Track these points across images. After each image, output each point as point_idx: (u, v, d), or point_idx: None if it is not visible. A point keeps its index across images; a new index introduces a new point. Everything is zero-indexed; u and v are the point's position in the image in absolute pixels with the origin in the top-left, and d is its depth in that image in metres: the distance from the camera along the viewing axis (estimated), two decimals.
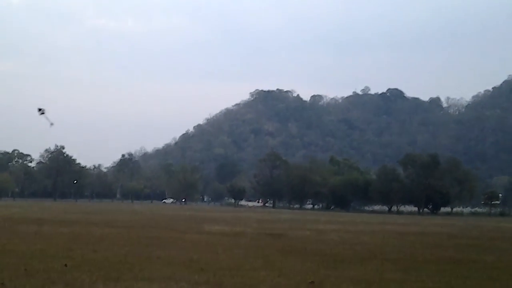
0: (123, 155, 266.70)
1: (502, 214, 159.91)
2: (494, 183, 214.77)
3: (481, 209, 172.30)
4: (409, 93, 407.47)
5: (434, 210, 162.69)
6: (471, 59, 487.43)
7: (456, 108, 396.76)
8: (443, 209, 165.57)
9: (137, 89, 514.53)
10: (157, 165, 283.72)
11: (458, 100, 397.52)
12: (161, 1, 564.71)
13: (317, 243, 32.77)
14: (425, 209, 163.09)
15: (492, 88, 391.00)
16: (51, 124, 20.92)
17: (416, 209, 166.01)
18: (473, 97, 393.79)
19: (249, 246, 28.75)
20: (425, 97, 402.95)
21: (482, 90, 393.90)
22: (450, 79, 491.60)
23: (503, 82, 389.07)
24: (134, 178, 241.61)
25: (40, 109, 25.35)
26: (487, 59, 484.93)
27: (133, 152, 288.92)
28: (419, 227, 63.09)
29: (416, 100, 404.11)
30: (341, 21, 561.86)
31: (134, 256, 21.50)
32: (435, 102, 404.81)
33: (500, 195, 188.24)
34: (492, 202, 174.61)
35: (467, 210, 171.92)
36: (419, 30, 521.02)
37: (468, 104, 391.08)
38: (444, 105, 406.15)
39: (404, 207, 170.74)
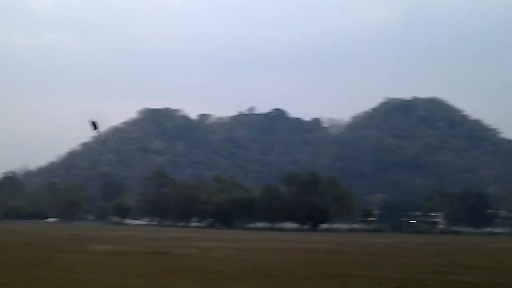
0: (4, 174, 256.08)
1: (377, 230, 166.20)
2: (370, 200, 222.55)
3: (358, 225, 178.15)
4: (293, 113, 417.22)
5: (314, 227, 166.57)
6: (351, 81, 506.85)
7: (336, 128, 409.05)
8: (322, 226, 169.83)
9: (20, 105, 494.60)
10: (41, 183, 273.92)
11: (338, 120, 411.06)
12: (49, 17, 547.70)
13: (202, 261, 32.93)
14: (306, 226, 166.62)
15: (370, 109, 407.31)
16: (103, 141, 19.96)
17: (297, 225, 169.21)
18: (352, 117, 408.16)
19: (132, 265, 28.49)
20: (307, 117, 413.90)
21: (360, 111, 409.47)
22: (331, 100, 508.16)
23: (380, 103, 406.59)
24: (16, 197, 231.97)
25: (93, 123, 23.53)
26: (366, 82, 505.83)
27: (15, 171, 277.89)
28: (300, 244, 64.58)
29: (298, 120, 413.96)
30: (228, 41, 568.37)
31: (15, 277, 20.83)
32: (316, 122, 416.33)
33: (376, 212, 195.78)
34: (368, 219, 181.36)
35: (345, 226, 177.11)
36: (303, 52, 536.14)
37: (348, 124, 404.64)
38: (325, 125, 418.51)
39: (286, 224, 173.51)
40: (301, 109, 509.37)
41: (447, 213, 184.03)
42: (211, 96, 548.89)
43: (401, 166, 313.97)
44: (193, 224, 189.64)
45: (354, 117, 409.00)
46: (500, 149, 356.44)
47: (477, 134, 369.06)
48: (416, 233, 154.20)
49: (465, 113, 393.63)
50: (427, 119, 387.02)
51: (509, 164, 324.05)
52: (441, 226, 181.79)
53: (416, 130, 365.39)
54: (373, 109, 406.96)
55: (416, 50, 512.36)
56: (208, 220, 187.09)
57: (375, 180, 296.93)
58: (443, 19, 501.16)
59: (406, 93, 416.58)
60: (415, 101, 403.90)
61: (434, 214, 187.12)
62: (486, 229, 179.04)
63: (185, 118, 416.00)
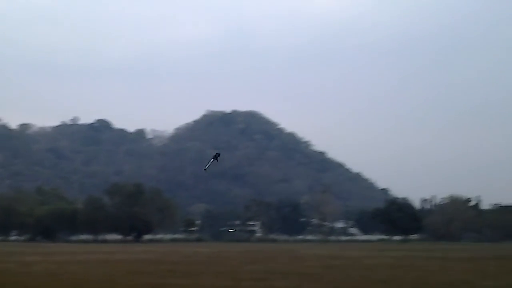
0: None
1: (199, 240, 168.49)
2: (192, 210, 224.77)
3: (180, 235, 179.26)
4: (117, 124, 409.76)
5: (138, 238, 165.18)
6: (174, 93, 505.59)
7: (160, 139, 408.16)
8: (146, 236, 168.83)
9: None
10: None
11: (162, 132, 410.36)
12: None
13: (21, 276, 31.89)
14: (130, 237, 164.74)
15: (193, 121, 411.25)
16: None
17: (121, 237, 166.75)
18: (175, 129, 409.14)
19: None
20: (131, 128, 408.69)
21: (184, 123, 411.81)
22: (155, 111, 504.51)
23: (202, 116, 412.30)
24: None
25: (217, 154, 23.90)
26: (189, 94, 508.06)
27: None
28: (123, 255, 64.09)
29: (122, 131, 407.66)
30: (55, 48, 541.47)
31: None
32: (140, 133, 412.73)
33: (198, 221, 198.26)
34: (190, 229, 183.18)
35: (168, 236, 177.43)
36: (129, 63, 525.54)
37: (171, 136, 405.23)
38: (149, 136, 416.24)
39: (110, 235, 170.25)
40: (126, 120, 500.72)
41: (264, 222, 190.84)
42: (32, 105, 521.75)
43: (221, 177, 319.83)
44: (13, 238, 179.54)
45: (177, 129, 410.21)
46: (312, 160, 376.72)
47: (292, 147, 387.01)
48: (235, 242, 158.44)
49: (280, 126, 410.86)
50: (246, 131, 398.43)
51: (320, 175, 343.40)
52: (258, 234, 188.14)
53: (235, 142, 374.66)
54: (195, 121, 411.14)
55: (236, 64, 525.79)
56: (29, 233, 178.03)
57: (197, 191, 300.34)
58: (258, 36, 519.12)
59: (227, 106, 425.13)
60: (235, 114, 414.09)
61: (252, 223, 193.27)
62: (299, 237, 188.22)
63: (4, 127, 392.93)
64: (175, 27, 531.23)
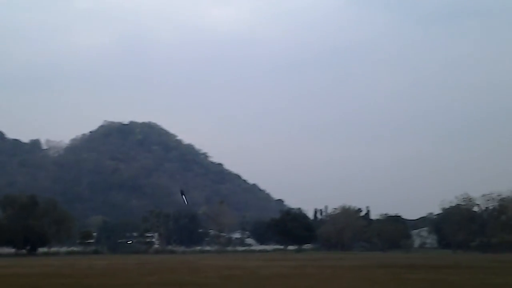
0: None
1: (96, 252, 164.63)
2: (90, 222, 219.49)
3: (77, 248, 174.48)
4: (10, 134, 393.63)
5: (32, 251, 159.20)
6: (70, 103, 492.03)
7: (56, 150, 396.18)
8: (41, 249, 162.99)
9: None
10: None
11: (57, 142, 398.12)
12: None
13: None
14: (23, 250, 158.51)
15: (90, 132, 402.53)
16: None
17: (14, 250, 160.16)
18: (71, 140, 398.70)
19: None
20: (25, 139, 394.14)
21: (80, 134, 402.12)
22: (50, 122, 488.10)
23: (99, 126, 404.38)
24: None
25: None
26: (86, 104, 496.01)
27: None
28: (17, 269, 61.83)
29: (16, 141, 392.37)
30: None
31: None
32: (35, 143, 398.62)
33: (95, 234, 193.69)
34: (87, 241, 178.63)
35: (64, 249, 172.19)
36: (20, 72, 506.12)
37: (67, 147, 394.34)
38: (44, 147, 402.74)
39: (2, 249, 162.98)
40: (20, 130, 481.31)
41: (162, 233, 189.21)
42: None
43: (119, 188, 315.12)
44: None
45: (74, 140, 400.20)
46: (209, 172, 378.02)
47: (190, 158, 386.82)
48: (133, 254, 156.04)
49: (178, 138, 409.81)
50: (144, 142, 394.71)
51: (217, 186, 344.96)
52: (156, 246, 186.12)
53: (133, 153, 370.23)
54: (92, 132, 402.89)
55: (133, 75, 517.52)
56: None
57: (94, 202, 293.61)
58: (155, 47, 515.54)
59: (124, 117, 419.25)
60: (133, 125, 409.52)
61: (150, 235, 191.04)
62: (197, 247, 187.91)
63: None
64: (69, 36, 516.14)
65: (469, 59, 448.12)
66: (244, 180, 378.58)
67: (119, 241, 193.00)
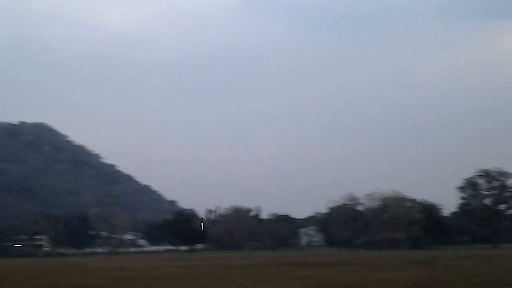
0: None
1: None
2: None
3: None
4: None
5: None
6: None
7: None
8: None
9: None
10: None
11: None
12: None
13: None
14: None
15: None
16: None
17: None
18: None
19: None
20: None
21: None
22: None
23: None
24: None
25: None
26: None
27: None
28: None
29: None
30: None
31: None
32: None
33: None
34: None
35: None
36: None
37: None
38: None
39: None
40: None
41: (52, 236, 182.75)
42: None
43: (7, 191, 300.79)
44: None
45: None
46: (101, 173, 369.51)
47: (81, 159, 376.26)
48: (21, 257, 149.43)
49: (70, 139, 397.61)
50: (34, 143, 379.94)
51: (110, 187, 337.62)
52: (46, 249, 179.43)
53: (23, 154, 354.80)
54: None
55: (23, 74, 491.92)
56: None
57: None
58: (46, 47, 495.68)
59: (13, 117, 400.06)
60: (22, 126, 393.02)
61: (39, 237, 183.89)
62: (88, 249, 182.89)
63: None
64: None
65: (360, 63, 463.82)
66: (137, 181, 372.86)
67: (7, 244, 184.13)
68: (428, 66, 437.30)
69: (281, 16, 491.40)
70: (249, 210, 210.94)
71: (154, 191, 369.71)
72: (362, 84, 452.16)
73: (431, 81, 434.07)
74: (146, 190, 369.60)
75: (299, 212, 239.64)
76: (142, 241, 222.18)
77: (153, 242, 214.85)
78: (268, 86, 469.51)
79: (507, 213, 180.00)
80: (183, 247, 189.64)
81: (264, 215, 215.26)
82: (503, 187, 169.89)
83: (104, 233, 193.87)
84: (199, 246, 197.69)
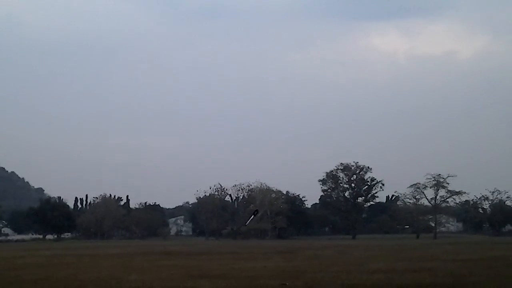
0: None
1: None
2: None
3: None
4: None
5: None
6: None
7: None
8: None
9: None
10: None
11: None
12: None
13: None
14: None
15: None
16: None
17: None
18: None
19: None
20: None
21: None
22: None
23: None
24: None
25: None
26: None
27: None
28: None
29: None
30: None
31: None
32: None
33: None
34: None
35: None
36: None
37: None
38: None
39: None
40: None
41: None
42: None
43: None
44: None
45: None
46: None
47: None
48: None
49: None
50: None
51: None
52: None
53: None
54: None
55: None
56: None
57: None
58: None
59: None
60: None
61: None
62: None
63: None
64: None
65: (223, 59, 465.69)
66: (2, 168, 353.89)
67: None
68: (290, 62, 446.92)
69: (153, 5, 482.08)
70: (118, 199, 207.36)
71: (21, 179, 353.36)
72: (221, 79, 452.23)
73: (295, 75, 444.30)
74: (12, 177, 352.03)
75: (169, 202, 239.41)
76: (7, 230, 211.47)
77: (18, 231, 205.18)
78: (141, 78, 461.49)
79: (365, 205, 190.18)
80: (50, 236, 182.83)
81: (133, 204, 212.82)
82: (362, 181, 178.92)
83: None
84: (66, 235, 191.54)
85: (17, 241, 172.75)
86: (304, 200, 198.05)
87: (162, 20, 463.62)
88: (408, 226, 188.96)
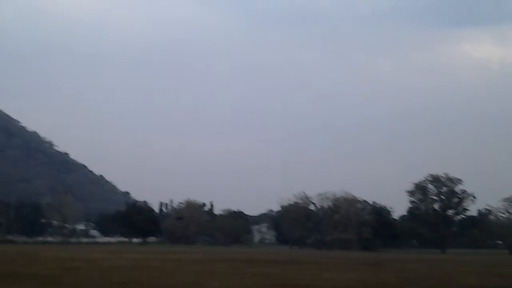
0: None
1: None
2: None
3: None
4: None
5: None
6: None
7: None
8: None
9: None
10: None
11: None
12: None
13: None
14: None
15: None
16: None
17: None
18: None
19: None
20: None
21: None
22: None
23: None
24: None
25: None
26: None
27: None
28: None
29: None
30: None
31: None
32: None
33: None
34: None
35: None
36: None
37: None
38: None
39: None
40: None
41: (2, 223, 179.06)
42: None
43: None
44: None
45: None
46: (54, 161, 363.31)
47: (34, 146, 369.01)
48: None
49: (22, 125, 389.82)
50: None
51: (62, 176, 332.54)
52: None
53: None
54: None
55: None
56: None
57: None
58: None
59: None
60: None
61: None
62: (39, 238, 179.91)
63: None
64: None
65: (307, 64, 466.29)
66: (91, 171, 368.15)
67: None
68: (379, 67, 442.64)
69: (238, 11, 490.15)
70: (202, 205, 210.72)
71: (108, 182, 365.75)
72: (320, 85, 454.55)
73: (383, 82, 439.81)
74: (99, 180, 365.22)
75: (252, 209, 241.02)
76: (94, 232, 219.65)
77: (105, 233, 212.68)
78: (223, 82, 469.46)
79: (455, 218, 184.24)
80: (135, 240, 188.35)
81: (217, 211, 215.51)
82: (452, 193, 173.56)
83: (56, 222, 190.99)
84: (151, 239, 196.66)
85: (103, 243, 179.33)
86: (391, 211, 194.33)
87: (245, 26, 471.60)
88: (500, 242, 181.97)
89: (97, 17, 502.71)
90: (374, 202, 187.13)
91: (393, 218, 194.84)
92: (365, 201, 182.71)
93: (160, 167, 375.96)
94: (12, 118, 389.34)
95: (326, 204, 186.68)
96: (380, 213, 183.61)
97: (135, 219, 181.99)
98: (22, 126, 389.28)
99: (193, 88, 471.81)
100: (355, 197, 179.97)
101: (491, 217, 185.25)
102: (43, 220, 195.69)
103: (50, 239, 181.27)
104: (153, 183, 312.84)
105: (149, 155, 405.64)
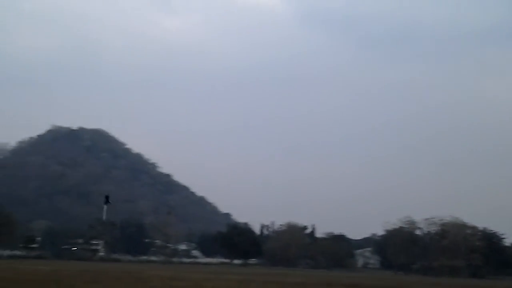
0: None
1: (39, 257, 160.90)
2: (34, 227, 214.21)
3: (20, 252, 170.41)
4: None
5: None
6: (17, 105, 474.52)
7: (1, 152, 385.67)
8: None
9: None
10: None
11: (3, 144, 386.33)
12: None
13: None
14: None
15: (37, 135, 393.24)
16: None
17: None
18: (18, 142, 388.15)
19: None
20: None
21: (27, 137, 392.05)
22: None
23: (47, 131, 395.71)
24: None
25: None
26: (33, 107, 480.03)
27: None
28: None
29: None
30: None
31: None
32: None
33: (39, 238, 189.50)
34: (31, 245, 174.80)
35: (7, 253, 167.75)
36: None
37: (13, 149, 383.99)
38: None
39: None
40: None
41: (107, 241, 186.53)
42: None
43: (65, 194, 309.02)
44: None
45: (20, 142, 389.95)
46: (157, 182, 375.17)
47: (138, 167, 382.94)
48: (77, 260, 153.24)
49: (127, 146, 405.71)
50: (92, 149, 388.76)
51: (165, 197, 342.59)
52: (101, 254, 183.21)
53: (81, 159, 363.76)
54: (40, 136, 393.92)
55: (82, 80, 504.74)
56: None
57: (39, 207, 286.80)
58: (105, 54, 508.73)
59: (73, 122, 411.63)
60: (81, 131, 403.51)
61: (95, 242, 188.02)
62: (143, 257, 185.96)
63: None
64: (13, 38, 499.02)
65: (407, 84, 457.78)
66: (192, 192, 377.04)
67: (64, 247, 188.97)
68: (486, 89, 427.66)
69: (338, 32, 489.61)
70: (304, 227, 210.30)
71: (209, 203, 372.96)
72: (423, 107, 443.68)
73: (494, 105, 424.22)
74: (201, 202, 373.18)
75: (355, 232, 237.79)
76: (196, 252, 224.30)
77: (206, 253, 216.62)
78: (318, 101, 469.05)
79: None
80: (236, 261, 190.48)
81: (318, 234, 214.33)
82: None
83: (159, 242, 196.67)
84: (252, 260, 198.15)
85: (205, 263, 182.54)
86: (504, 238, 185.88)
87: (346, 46, 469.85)
88: None
89: (198, 42, 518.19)
90: (484, 228, 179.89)
91: (506, 245, 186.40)
92: (475, 226, 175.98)
93: (261, 189, 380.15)
94: (118, 141, 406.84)
95: (433, 229, 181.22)
96: (490, 239, 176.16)
97: (236, 240, 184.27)
98: (127, 148, 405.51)
99: (294, 110, 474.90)
100: (463, 222, 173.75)
101: None
102: (146, 240, 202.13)
103: (153, 258, 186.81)
104: (254, 205, 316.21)
105: (249, 177, 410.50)
